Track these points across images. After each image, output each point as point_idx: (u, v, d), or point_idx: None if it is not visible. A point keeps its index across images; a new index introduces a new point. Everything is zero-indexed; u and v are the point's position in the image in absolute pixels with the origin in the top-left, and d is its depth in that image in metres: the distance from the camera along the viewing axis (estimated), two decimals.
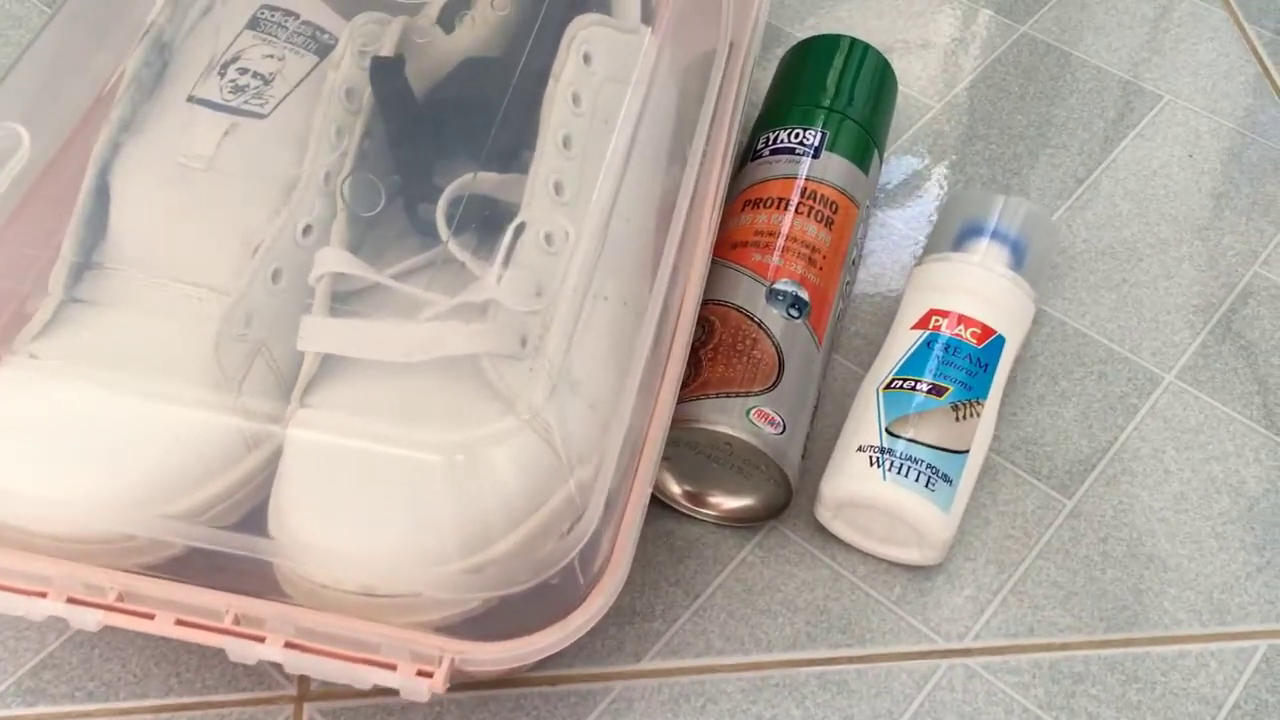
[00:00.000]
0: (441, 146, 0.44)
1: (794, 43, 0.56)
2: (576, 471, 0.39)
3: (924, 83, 0.61)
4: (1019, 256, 0.50)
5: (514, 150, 0.43)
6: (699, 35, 0.51)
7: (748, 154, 0.52)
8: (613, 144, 0.43)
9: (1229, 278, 0.54)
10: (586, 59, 0.44)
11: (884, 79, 0.54)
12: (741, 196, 0.50)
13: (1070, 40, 0.63)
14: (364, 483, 0.35)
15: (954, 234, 0.51)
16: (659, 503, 0.46)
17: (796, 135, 0.51)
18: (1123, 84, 0.61)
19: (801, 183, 0.49)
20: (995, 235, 0.50)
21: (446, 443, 0.35)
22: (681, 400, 0.43)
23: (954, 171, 0.58)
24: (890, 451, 0.44)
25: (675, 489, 0.46)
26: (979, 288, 0.48)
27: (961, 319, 0.47)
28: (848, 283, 0.49)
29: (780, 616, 0.44)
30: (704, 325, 0.46)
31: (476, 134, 0.43)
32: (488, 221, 0.42)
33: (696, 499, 0.46)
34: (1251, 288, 0.54)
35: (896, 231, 0.55)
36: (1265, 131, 0.60)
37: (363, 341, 0.39)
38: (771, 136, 0.51)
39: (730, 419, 0.43)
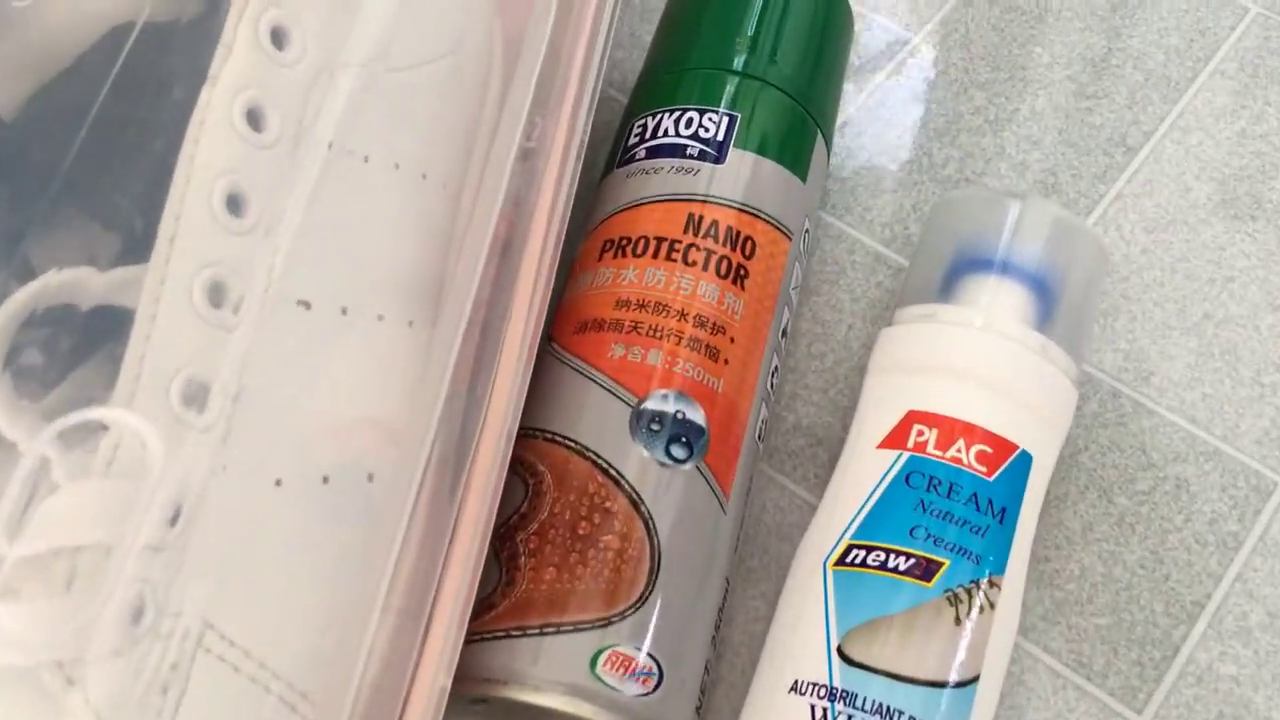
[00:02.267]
0: (30, 206, 0.25)
1: None
2: None
3: (897, 2, 0.41)
4: (1046, 302, 0.31)
5: (144, 219, 0.23)
6: None
7: (614, 153, 0.33)
8: (339, 188, 0.24)
9: None
10: (277, 38, 0.24)
11: (830, 9, 0.34)
12: (599, 233, 0.31)
13: None
14: None
15: (941, 268, 0.32)
16: None
17: (688, 123, 0.31)
18: None
19: (694, 209, 0.30)
20: (1007, 269, 0.31)
21: None
22: (476, 637, 0.25)
23: (940, 143, 0.38)
24: (846, 697, 0.26)
25: None
26: (985, 368, 0.30)
27: (959, 428, 0.29)
28: (776, 369, 0.30)
29: None
30: (523, 483, 0.27)
31: (85, 185, 0.24)
32: (77, 359, 0.23)
33: None
34: None
35: (856, 247, 0.36)
36: None
37: None
38: (649, 125, 0.32)
39: (565, 677, 0.24)
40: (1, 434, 0.21)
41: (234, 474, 0.22)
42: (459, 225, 0.28)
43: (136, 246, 0.23)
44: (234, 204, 0.23)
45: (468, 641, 0.25)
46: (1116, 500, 0.32)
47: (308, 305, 0.24)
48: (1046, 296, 0.31)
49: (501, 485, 0.25)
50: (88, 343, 0.22)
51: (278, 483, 0.23)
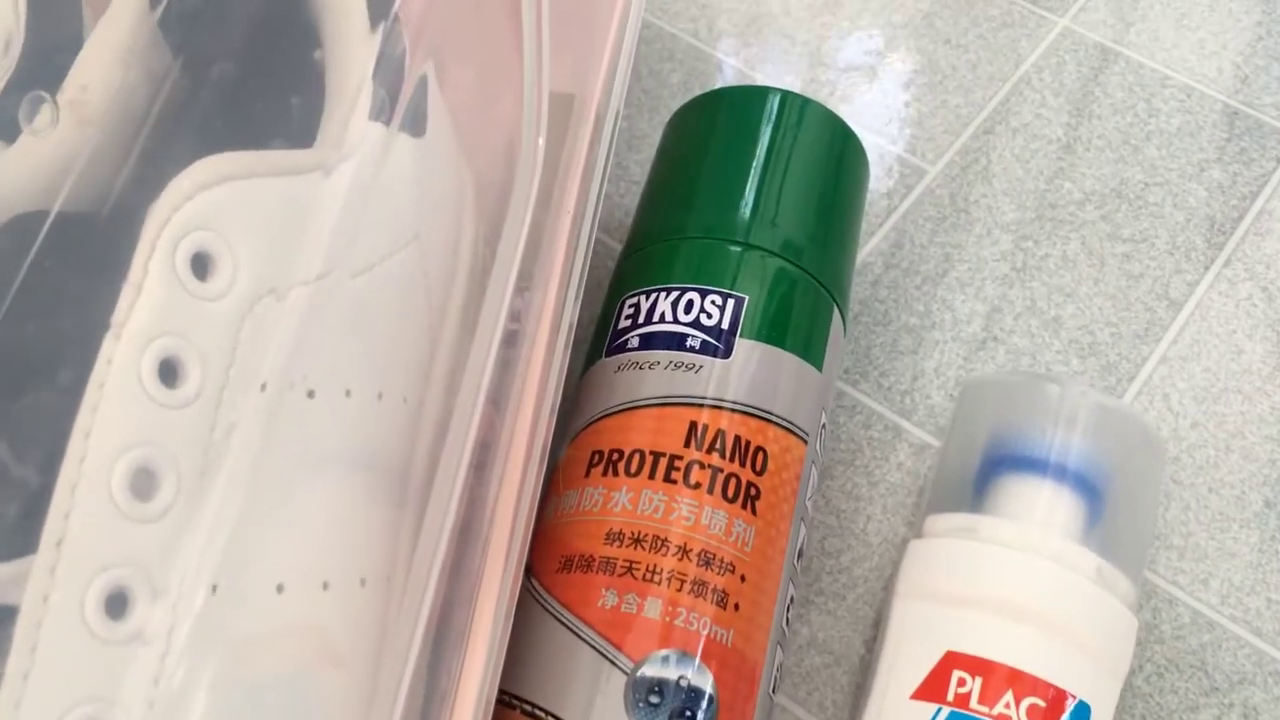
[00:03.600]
0: None
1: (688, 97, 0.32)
2: None
3: (910, 130, 0.38)
4: (1098, 509, 0.27)
5: (29, 507, 0.19)
6: (499, 112, 0.28)
7: (599, 340, 0.28)
8: (242, 456, 0.20)
9: None
10: (198, 267, 0.20)
11: (843, 161, 0.30)
12: (586, 440, 0.26)
13: (1143, 44, 0.40)
14: None
15: (976, 465, 0.28)
16: None
17: (688, 307, 0.27)
18: (1240, 117, 0.38)
19: (698, 416, 0.26)
20: (1053, 471, 0.27)
21: None
22: None
23: (965, 296, 0.34)
24: None
25: None
26: (1038, 603, 0.26)
27: (1008, 678, 0.25)
28: (790, 600, 0.26)
29: None
30: None
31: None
32: None
33: None
34: None
35: (873, 419, 0.32)
36: None
37: None
38: (640, 307, 0.28)
39: None
40: None
41: None
42: (421, 442, 0.24)
43: (24, 540, 0.18)
44: (142, 483, 0.19)
45: None
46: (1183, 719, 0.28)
47: (242, 598, 0.19)
48: (1097, 503, 0.28)
49: None
50: None
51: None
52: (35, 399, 0.18)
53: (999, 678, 0.25)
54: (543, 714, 0.23)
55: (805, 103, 0.30)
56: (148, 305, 0.19)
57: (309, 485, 0.21)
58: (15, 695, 0.18)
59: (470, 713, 0.21)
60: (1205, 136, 0.37)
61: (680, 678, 0.23)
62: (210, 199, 0.20)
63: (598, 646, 0.23)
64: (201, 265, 0.20)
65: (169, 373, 0.19)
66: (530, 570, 0.25)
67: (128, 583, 0.18)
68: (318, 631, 0.20)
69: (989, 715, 0.24)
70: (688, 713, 0.23)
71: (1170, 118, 0.37)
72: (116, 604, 0.18)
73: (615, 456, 0.25)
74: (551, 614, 0.24)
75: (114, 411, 0.18)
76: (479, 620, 0.23)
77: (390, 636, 0.22)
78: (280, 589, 0.20)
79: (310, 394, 0.21)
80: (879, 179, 0.36)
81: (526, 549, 0.23)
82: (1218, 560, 0.30)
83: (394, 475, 0.23)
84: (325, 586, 0.21)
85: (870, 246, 0.35)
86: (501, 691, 0.23)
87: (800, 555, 0.27)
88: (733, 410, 0.26)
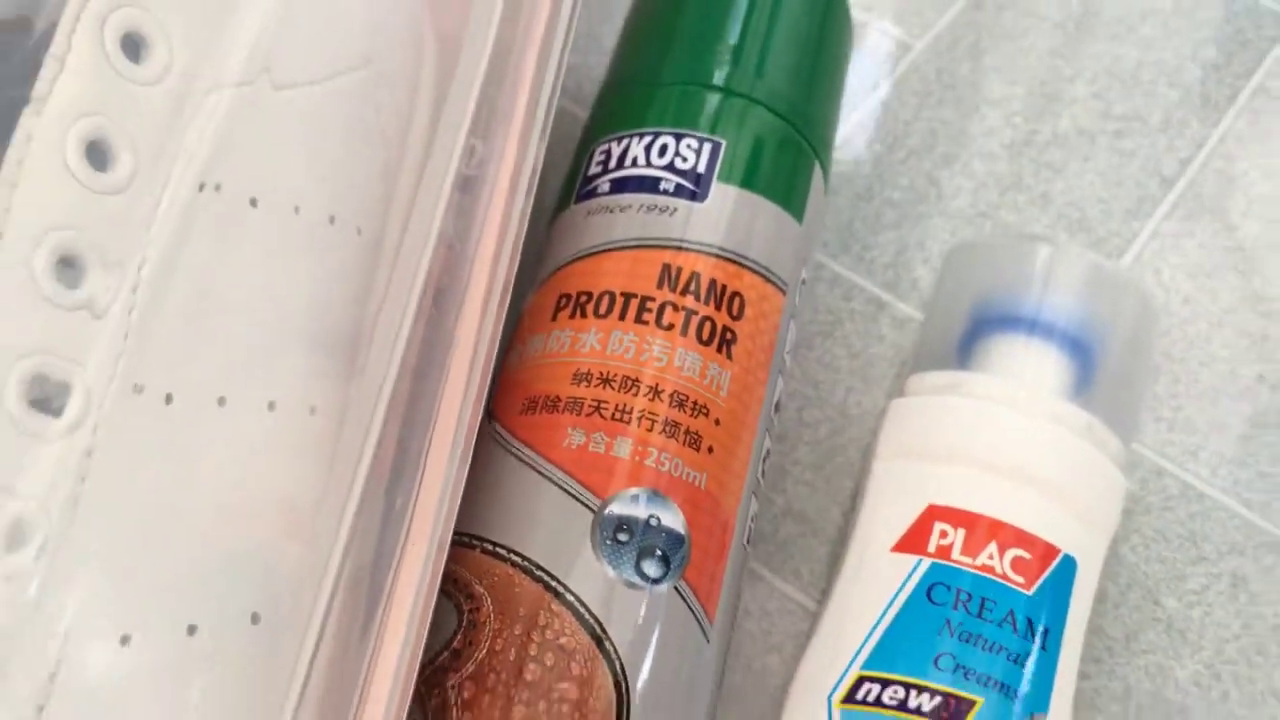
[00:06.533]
0: None
1: None
2: None
3: (897, 3, 0.36)
4: (1088, 368, 0.26)
5: None
6: None
7: (569, 187, 0.27)
8: (220, 240, 0.18)
9: None
10: (130, 46, 0.18)
11: (827, 16, 0.29)
12: (551, 285, 0.25)
13: None
14: None
15: (963, 326, 0.27)
16: None
17: (662, 150, 0.26)
18: None
19: (669, 258, 0.24)
20: (1041, 329, 0.26)
21: None
22: None
23: (949, 171, 0.33)
24: None
25: None
26: (1024, 457, 0.25)
27: (991, 527, 0.24)
28: (766, 452, 0.25)
29: None
30: (456, 610, 0.21)
31: None
32: None
33: None
34: None
35: (854, 291, 0.31)
36: None
37: None
38: (612, 153, 0.26)
39: None
40: None
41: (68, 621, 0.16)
42: (379, 278, 0.23)
43: None
44: (66, 271, 0.17)
45: None
46: (1164, 602, 0.27)
47: (168, 399, 0.18)
48: (1087, 362, 0.26)
49: (430, 612, 0.20)
50: None
51: (123, 640, 0.17)
52: None
53: (982, 529, 0.24)
54: (505, 552, 0.22)
55: None
56: (73, 80, 0.17)
57: (252, 296, 0.20)
58: None
59: (424, 551, 0.20)
60: (1201, 15, 0.36)
61: (651, 516, 0.22)
62: None
63: (564, 485, 0.22)
64: (133, 46, 0.18)
65: (97, 154, 0.18)
66: (492, 415, 0.24)
67: (53, 374, 0.17)
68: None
69: (972, 566, 0.23)
70: (658, 551, 0.22)
71: None
72: (39, 390, 0.17)
73: (584, 299, 0.24)
74: (515, 455, 0.23)
75: (35, 191, 0.17)
76: (433, 460, 0.21)
77: (337, 470, 0.21)
78: (221, 401, 0.19)
79: (253, 202, 0.20)
80: (865, 55, 0.35)
81: (485, 391, 0.22)
82: (1208, 433, 0.29)
83: (347, 309, 0.22)
84: (271, 407, 0.20)
85: (853, 120, 0.34)
86: (463, 534, 0.22)
87: (777, 409, 0.25)
88: (707, 253, 0.24)
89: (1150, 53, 0.35)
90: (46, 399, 0.17)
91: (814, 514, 0.28)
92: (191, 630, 0.18)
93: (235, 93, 0.19)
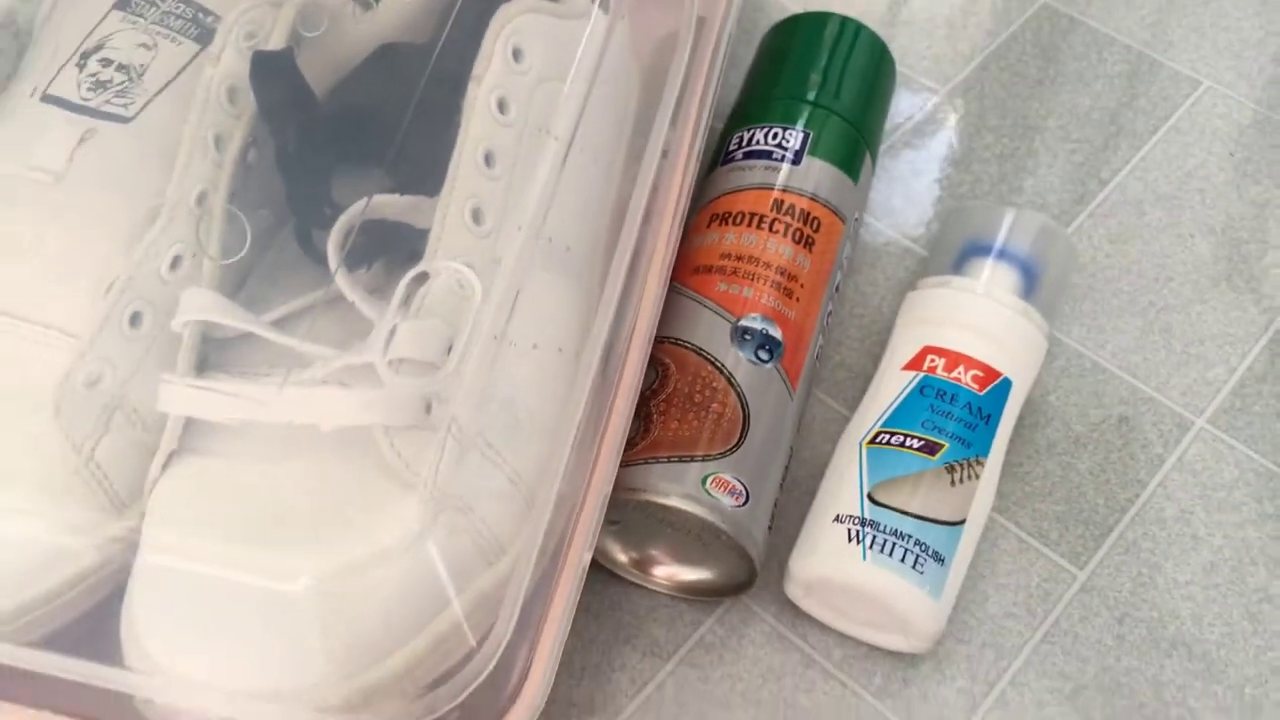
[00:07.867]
0: (346, 158, 0.37)
1: (781, 17, 0.49)
2: (494, 566, 0.32)
3: (927, 63, 0.54)
4: (1030, 281, 0.43)
5: (428, 165, 0.36)
6: (663, 13, 0.44)
7: (718, 156, 0.45)
8: (548, 160, 0.36)
9: (1273, 301, 0.47)
10: (516, 55, 0.36)
11: (879, 66, 0.47)
12: (708, 209, 0.43)
13: (1098, 14, 0.56)
14: (222, 610, 0.29)
15: (955, 253, 0.44)
16: (603, 568, 0.40)
17: (774, 136, 0.43)
18: (1155, 67, 0.54)
19: (777, 195, 0.42)
20: (1002, 255, 0.43)
21: (308, 568, 0.28)
22: (626, 463, 0.37)
23: (958, 170, 0.50)
24: (873, 525, 0.37)
25: (621, 556, 0.40)
26: (982, 321, 0.41)
27: (960, 359, 0.40)
28: (830, 313, 0.42)
29: (740, 712, 0.38)
30: (656, 369, 0.39)
31: (386, 143, 0.36)
32: (389, 253, 0.35)
33: (647, 566, 0.40)
34: None
35: (891, 241, 0.48)
36: None
37: (229, 407, 0.32)
38: (745, 136, 0.44)
39: (684, 489, 0.36)
40: (360, 308, 0.33)
41: (497, 336, 0.34)
42: (610, 198, 0.40)
43: (426, 185, 0.35)
44: (490, 160, 0.35)
45: (622, 466, 0.36)
46: (1074, 427, 0.44)
47: (550, 240, 0.36)
48: (1030, 278, 0.43)
49: (644, 370, 0.37)
50: (392, 242, 0.34)
51: (534, 346, 0.34)
52: (435, 114, 0.35)
53: (956, 360, 0.40)
54: (682, 343, 0.39)
55: (858, 28, 0.47)
56: (493, 68, 0.35)
57: (569, 194, 0.37)
58: (433, 252, 0.34)
59: (641, 342, 0.37)
60: (1139, 78, 0.53)
61: (763, 329, 0.39)
62: (517, 26, 0.36)
63: (715, 310, 0.39)
64: (518, 55, 0.36)
65: (503, 107, 0.36)
66: (675, 277, 0.41)
67: (482, 207, 0.35)
68: None
69: (947, 378, 0.40)
70: (766, 347, 0.39)
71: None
72: (477, 216, 0.34)
73: (726, 216, 0.42)
74: (686, 296, 0.40)
75: (478, 122, 0.35)
76: (646, 296, 0.38)
77: (591, 296, 0.38)
78: (557, 242, 0.36)
79: (569, 145, 0.37)
80: (907, 95, 0.52)
81: (672, 265, 0.39)
82: (1113, 334, 0.46)
83: (600, 211, 0.39)
84: (568, 250, 0.37)
85: (895, 138, 0.51)
86: (661, 335, 0.39)
87: (836, 290, 0.43)
88: (800, 194, 0.42)
89: (1099, 101, 0.52)
90: (480, 220, 0.34)
91: (856, 364, 0.45)
92: (559, 349, 0.35)
93: (560, 86, 0.37)
